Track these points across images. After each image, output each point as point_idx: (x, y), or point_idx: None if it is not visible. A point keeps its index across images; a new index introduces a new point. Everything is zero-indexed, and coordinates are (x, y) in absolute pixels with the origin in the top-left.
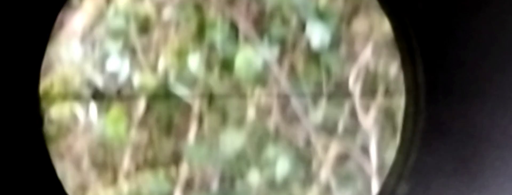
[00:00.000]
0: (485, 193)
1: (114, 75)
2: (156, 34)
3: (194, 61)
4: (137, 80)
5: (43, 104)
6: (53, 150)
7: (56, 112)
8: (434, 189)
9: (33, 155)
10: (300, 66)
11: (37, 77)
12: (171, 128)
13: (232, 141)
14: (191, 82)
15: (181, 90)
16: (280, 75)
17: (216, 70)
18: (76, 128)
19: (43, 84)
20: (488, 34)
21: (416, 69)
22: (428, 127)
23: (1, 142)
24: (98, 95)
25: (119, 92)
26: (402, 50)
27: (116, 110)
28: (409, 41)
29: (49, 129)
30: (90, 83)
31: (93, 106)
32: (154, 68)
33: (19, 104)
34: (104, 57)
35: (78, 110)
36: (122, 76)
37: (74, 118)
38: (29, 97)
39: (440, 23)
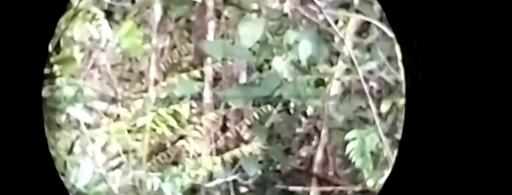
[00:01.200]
0: (484, 192)
1: None
2: None
3: None
4: None
5: (63, 26)
6: (81, 70)
7: (77, 33)
8: (434, 188)
9: (34, 156)
10: None
11: (39, 78)
12: (190, 29)
13: (252, 31)
14: None
15: None
16: None
17: None
18: (98, 45)
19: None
20: (487, 34)
21: (416, 69)
22: (428, 126)
23: (2, 142)
24: (110, 12)
25: (133, 2)
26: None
27: (129, 23)
28: (409, 42)
29: (74, 49)
30: (99, 2)
31: (105, 22)
32: None
33: (21, 104)
34: None
35: (95, 28)
36: None
37: (94, 35)
38: (31, 97)
39: (440, 24)
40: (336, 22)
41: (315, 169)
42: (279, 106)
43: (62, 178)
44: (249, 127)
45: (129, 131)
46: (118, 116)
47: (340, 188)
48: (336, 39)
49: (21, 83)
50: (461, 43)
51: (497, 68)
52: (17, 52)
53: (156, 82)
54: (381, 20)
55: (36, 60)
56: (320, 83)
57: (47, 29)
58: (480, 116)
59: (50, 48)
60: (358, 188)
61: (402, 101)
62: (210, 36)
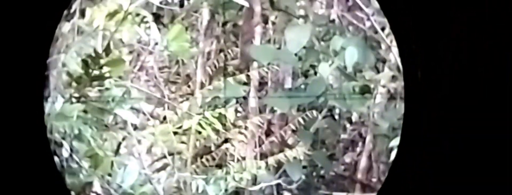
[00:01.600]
0: (484, 191)
1: None
2: None
3: None
4: None
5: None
6: (129, 72)
7: (126, 35)
8: (433, 187)
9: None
10: None
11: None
12: (237, 33)
13: (298, 37)
14: None
15: None
16: None
17: None
18: (146, 47)
19: (106, 10)
20: (487, 34)
21: (415, 68)
22: (428, 127)
23: (4, 142)
24: (158, 15)
25: (181, 6)
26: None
27: (177, 26)
28: (409, 42)
29: (122, 52)
30: (148, 5)
31: (154, 26)
32: None
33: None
34: None
35: (143, 30)
36: None
37: (142, 38)
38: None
39: (440, 24)
40: (383, 29)
41: (359, 175)
42: (324, 112)
43: (108, 178)
44: (294, 131)
45: (174, 133)
46: (164, 118)
47: None
48: (383, 46)
49: (21, 85)
50: (462, 45)
51: (497, 70)
52: (17, 53)
53: (202, 85)
54: None
55: (36, 62)
56: (366, 90)
57: (47, 31)
58: (481, 116)
59: (100, 50)
60: None
61: None
62: (257, 40)
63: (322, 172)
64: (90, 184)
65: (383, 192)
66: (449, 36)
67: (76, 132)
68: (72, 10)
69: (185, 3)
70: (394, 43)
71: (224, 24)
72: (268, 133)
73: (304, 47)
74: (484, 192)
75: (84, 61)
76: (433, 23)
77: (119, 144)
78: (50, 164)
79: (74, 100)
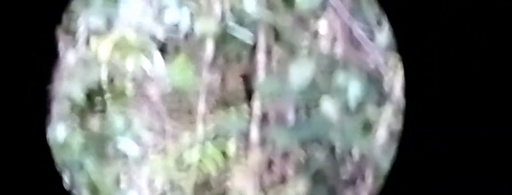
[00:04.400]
0: (483, 191)
1: (175, 25)
2: None
3: (252, 2)
4: (199, 26)
5: (115, 58)
6: (131, 101)
7: (128, 65)
8: (432, 187)
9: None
10: None
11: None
12: (241, 66)
13: (302, 71)
14: (252, 22)
15: (242, 32)
16: (342, 4)
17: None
18: (149, 78)
19: (109, 43)
20: (487, 34)
21: (411, 69)
22: (426, 127)
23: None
24: (163, 45)
25: (186, 38)
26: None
27: (182, 57)
28: (408, 42)
29: (125, 83)
30: (153, 36)
31: (158, 56)
32: (213, 12)
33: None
34: (162, 9)
35: (146, 61)
36: (184, 24)
37: (145, 69)
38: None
39: (440, 24)
40: (386, 63)
41: None
42: (325, 147)
43: None
44: (295, 167)
45: (175, 165)
46: (165, 149)
47: None
48: (386, 80)
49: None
50: (462, 44)
51: (495, 68)
52: (18, 54)
53: (204, 116)
54: None
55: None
56: (368, 125)
57: (47, 33)
58: (481, 114)
59: (103, 77)
60: None
61: None
62: (260, 73)
63: None
64: None
65: (383, 192)
66: (447, 34)
67: (76, 162)
68: (76, 39)
69: (190, 34)
70: (397, 78)
71: (228, 55)
72: (269, 168)
73: (307, 82)
74: (484, 192)
75: (87, 91)
76: (432, 21)
77: (119, 175)
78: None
79: (75, 129)
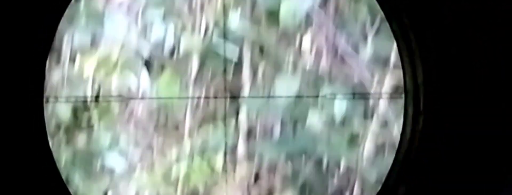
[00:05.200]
0: (483, 191)
1: (161, 42)
2: None
3: (236, 18)
4: (184, 42)
5: (100, 76)
6: (119, 117)
7: (114, 82)
8: (433, 188)
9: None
10: (345, 7)
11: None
12: (226, 80)
13: (288, 85)
14: (237, 38)
15: (229, 47)
16: (326, 19)
17: (262, 22)
18: (135, 94)
19: (95, 59)
20: (487, 35)
21: (416, 69)
22: (427, 127)
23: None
24: (148, 62)
25: (172, 55)
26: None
27: (168, 73)
28: (409, 43)
29: (111, 99)
30: (139, 53)
31: (145, 73)
32: (199, 29)
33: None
34: (148, 25)
35: (133, 78)
36: (169, 41)
37: (131, 85)
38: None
39: (440, 24)
40: (373, 77)
41: None
42: (312, 160)
43: None
44: (282, 180)
45: (162, 180)
46: (152, 164)
47: None
48: (372, 94)
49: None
50: (461, 44)
51: (496, 68)
52: (18, 56)
53: (191, 132)
54: None
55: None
56: (355, 138)
57: (46, 36)
58: (482, 114)
59: (88, 94)
60: None
61: None
62: (246, 88)
63: None
64: None
65: (383, 191)
66: (447, 35)
67: (64, 177)
68: (61, 57)
69: (175, 51)
70: (384, 90)
71: (214, 71)
72: (256, 180)
73: (293, 96)
74: (484, 191)
75: (73, 108)
76: (432, 22)
77: (106, 190)
78: (50, 165)
79: (62, 145)
